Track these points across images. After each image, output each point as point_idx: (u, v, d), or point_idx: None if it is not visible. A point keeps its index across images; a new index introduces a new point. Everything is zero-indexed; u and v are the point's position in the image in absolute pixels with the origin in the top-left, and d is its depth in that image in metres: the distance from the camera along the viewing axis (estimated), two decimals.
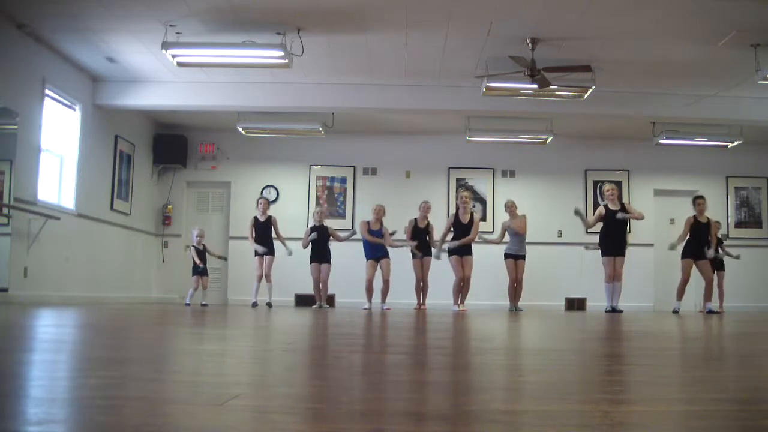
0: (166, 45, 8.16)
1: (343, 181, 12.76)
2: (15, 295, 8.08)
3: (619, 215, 9.52)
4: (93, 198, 10.23)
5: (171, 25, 8.10)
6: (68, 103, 9.65)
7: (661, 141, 11.54)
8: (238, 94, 10.40)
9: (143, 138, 12.03)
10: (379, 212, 10.60)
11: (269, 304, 10.47)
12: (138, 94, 10.37)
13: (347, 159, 12.74)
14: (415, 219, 10.64)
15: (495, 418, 1.35)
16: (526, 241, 10.80)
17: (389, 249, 10.57)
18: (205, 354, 2.73)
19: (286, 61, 8.36)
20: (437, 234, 10.53)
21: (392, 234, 10.63)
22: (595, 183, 12.67)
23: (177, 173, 12.67)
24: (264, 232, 10.69)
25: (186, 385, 1.74)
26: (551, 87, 8.83)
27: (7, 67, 8.07)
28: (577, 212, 9.99)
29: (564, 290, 12.34)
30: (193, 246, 11.04)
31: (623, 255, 9.64)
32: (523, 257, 10.68)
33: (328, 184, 12.75)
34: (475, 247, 10.31)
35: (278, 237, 10.75)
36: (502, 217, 11.39)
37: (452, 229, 10.22)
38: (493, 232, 11.44)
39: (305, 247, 10.70)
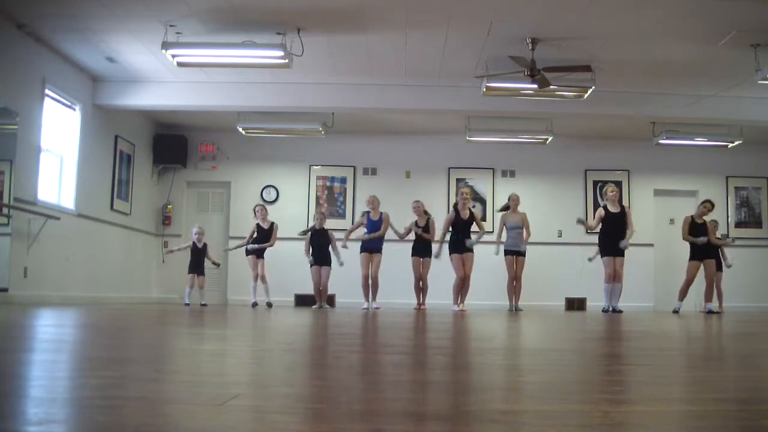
0: (166, 45, 8.16)
1: (343, 181, 12.76)
2: (15, 295, 8.08)
3: (623, 244, 9.51)
4: (93, 198, 10.23)
5: (171, 25, 8.10)
6: (68, 103, 9.65)
7: (661, 141, 11.54)
8: (238, 94, 10.40)
9: (143, 138, 12.03)
10: (374, 202, 10.61)
11: (269, 304, 10.48)
12: (138, 94, 10.37)
13: (347, 159, 12.74)
14: (415, 221, 10.63)
15: (495, 418, 1.35)
16: (529, 240, 10.79)
17: (386, 243, 10.55)
18: (205, 354, 2.73)
19: (286, 61, 8.36)
20: (437, 232, 10.51)
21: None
22: (595, 183, 12.67)
23: (177, 173, 12.67)
24: (264, 238, 10.72)
25: (186, 385, 1.74)
26: (551, 87, 8.83)
27: (7, 67, 8.07)
28: (579, 221, 9.99)
29: (564, 290, 12.34)
30: (193, 242, 11.02)
31: (623, 255, 9.64)
32: (522, 254, 10.65)
33: (328, 184, 12.75)
34: (475, 246, 10.29)
35: (271, 242, 10.76)
36: (502, 214, 11.36)
37: (451, 226, 10.23)
38: (493, 231, 11.42)
39: (307, 251, 10.70)
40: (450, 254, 10.12)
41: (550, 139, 11.60)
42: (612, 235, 9.56)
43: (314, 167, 12.75)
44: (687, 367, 2.47)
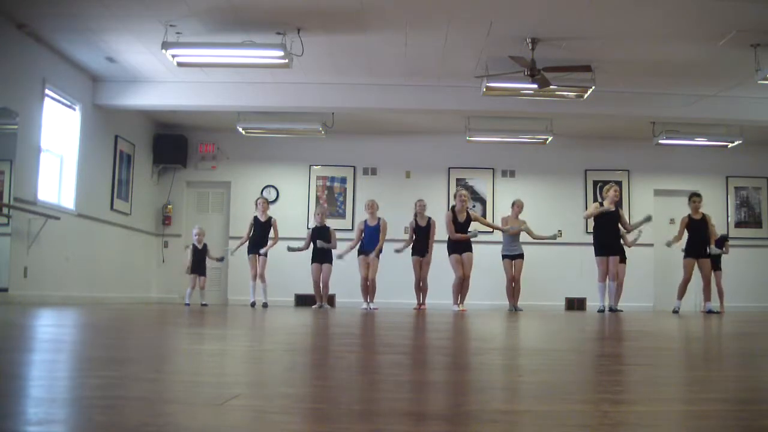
0: (166, 45, 8.16)
1: (343, 181, 12.76)
2: (15, 295, 8.08)
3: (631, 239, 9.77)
4: (93, 198, 10.23)
5: (171, 25, 8.10)
6: (68, 103, 9.65)
7: (661, 141, 11.54)
8: (238, 94, 10.40)
9: (143, 138, 12.03)
10: (372, 206, 10.60)
11: (265, 305, 10.44)
12: (138, 94, 10.37)
13: (347, 159, 12.75)
14: (415, 220, 10.63)
15: (495, 418, 1.35)
16: (523, 240, 10.81)
17: (385, 244, 10.55)
18: (205, 354, 2.73)
19: (286, 61, 8.36)
20: (441, 230, 10.50)
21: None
22: (595, 183, 12.67)
23: (177, 173, 12.67)
24: (263, 233, 10.67)
25: (186, 385, 1.75)
26: (551, 87, 8.83)
27: (7, 67, 8.07)
28: (647, 219, 9.88)
29: (564, 290, 12.34)
30: (193, 244, 11.02)
31: (616, 254, 9.63)
32: (520, 256, 10.68)
33: (328, 184, 12.75)
34: (474, 246, 10.30)
35: (275, 238, 10.73)
36: (503, 217, 11.36)
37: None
38: (492, 232, 11.42)
39: (306, 248, 10.69)
40: (449, 255, 10.12)
41: (550, 139, 11.60)
42: (604, 234, 9.54)
43: (314, 167, 12.75)
44: (687, 367, 2.48)
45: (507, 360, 2.67)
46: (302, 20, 8.03)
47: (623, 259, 10.16)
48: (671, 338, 4.22)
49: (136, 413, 1.32)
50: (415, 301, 10.60)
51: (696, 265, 9.82)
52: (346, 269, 10.89)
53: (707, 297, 9.87)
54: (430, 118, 11.75)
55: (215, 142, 12.66)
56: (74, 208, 9.69)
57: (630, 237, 10.27)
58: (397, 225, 10.87)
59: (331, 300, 11.47)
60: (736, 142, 11.50)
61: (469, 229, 10.19)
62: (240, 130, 11.46)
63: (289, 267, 11.46)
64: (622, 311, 9.73)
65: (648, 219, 9.75)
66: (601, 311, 9.52)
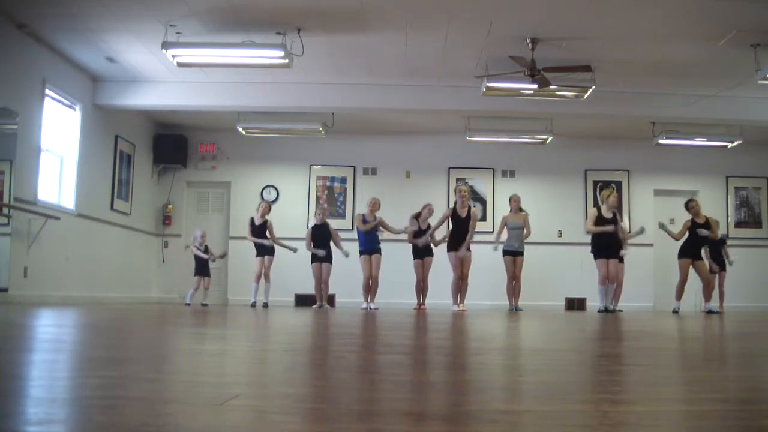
0: (166, 45, 8.16)
1: (343, 181, 12.76)
2: (15, 295, 8.08)
3: (622, 253, 9.74)
4: (93, 198, 10.23)
5: (171, 25, 8.10)
6: (68, 103, 9.65)
7: (661, 141, 11.53)
8: (238, 94, 10.40)
9: (143, 138, 12.03)
10: (374, 205, 10.60)
11: (265, 305, 10.45)
12: (138, 94, 10.37)
13: (347, 159, 12.75)
14: (417, 218, 10.63)
15: (495, 418, 1.35)
16: (529, 240, 10.79)
17: (386, 244, 10.56)
18: (205, 354, 2.73)
19: (286, 61, 8.35)
20: (441, 230, 10.52)
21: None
22: (595, 183, 12.67)
23: (177, 173, 12.67)
24: (261, 234, 10.69)
25: (186, 385, 1.75)
26: (551, 87, 8.83)
27: (7, 67, 8.07)
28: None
29: (564, 290, 12.34)
30: (195, 246, 11.03)
31: (616, 257, 9.63)
32: (521, 254, 10.66)
33: (328, 184, 12.75)
34: (474, 246, 10.30)
35: (273, 240, 10.74)
36: (503, 216, 11.37)
37: (449, 222, 10.25)
38: (492, 231, 11.43)
39: (309, 250, 10.68)
40: (448, 252, 10.13)
41: (550, 139, 11.60)
42: (603, 236, 9.54)
43: (314, 167, 12.75)
44: (687, 367, 2.47)
45: (507, 360, 2.67)
46: (302, 20, 8.03)
47: (621, 260, 10.16)
48: (671, 338, 4.22)
49: (136, 413, 1.32)
50: (415, 301, 10.61)
51: (692, 266, 9.82)
52: (346, 269, 10.89)
53: (707, 297, 9.86)
54: (430, 118, 11.75)
55: (215, 142, 12.66)
56: (74, 208, 9.69)
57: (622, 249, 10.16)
58: (397, 225, 10.85)
59: (331, 300, 11.47)
60: (736, 142, 11.50)
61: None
62: (240, 130, 11.46)
63: (289, 267, 11.45)
64: (621, 311, 9.73)
65: (641, 231, 10.17)
66: (602, 311, 9.52)
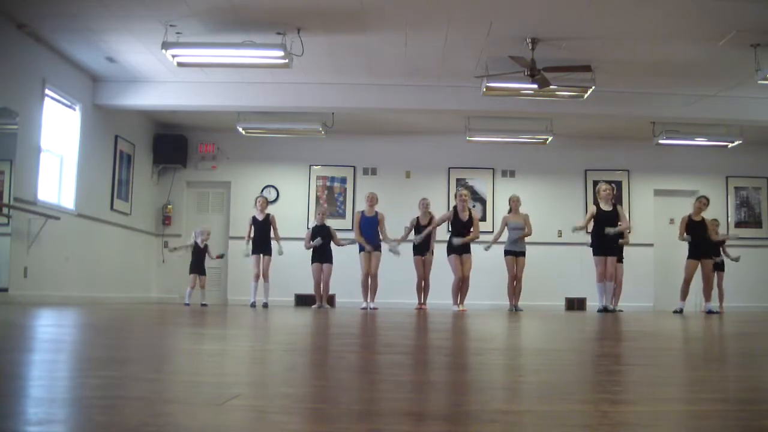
0: (166, 45, 8.16)
1: (343, 181, 12.76)
2: (15, 295, 8.08)
3: (609, 230, 9.38)
4: (93, 198, 10.23)
5: (171, 25, 8.10)
6: (68, 103, 9.65)
7: (661, 141, 11.54)
8: (238, 94, 10.40)
9: (143, 138, 12.03)
10: (372, 199, 10.60)
11: (265, 305, 10.45)
12: (138, 94, 10.37)
13: (347, 159, 12.75)
14: (417, 217, 10.64)
15: (495, 418, 1.35)
16: (529, 240, 10.79)
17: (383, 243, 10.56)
18: (205, 354, 2.73)
19: (286, 61, 8.36)
20: (442, 229, 10.52)
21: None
22: (595, 183, 12.63)
23: (177, 173, 12.67)
24: (262, 231, 10.67)
25: (186, 385, 1.75)
26: (551, 87, 8.83)
27: (7, 67, 8.07)
28: (574, 229, 9.88)
29: (564, 290, 12.34)
30: (195, 242, 11.00)
31: (614, 255, 9.61)
32: (523, 254, 10.66)
33: (328, 184, 12.76)
34: (474, 246, 10.30)
35: (275, 236, 10.73)
36: (503, 216, 11.36)
37: (450, 225, 10.26)
38: (492, 231, 11.43)
39: (308, 249, 10.67)
40: (448, 255, 10.13)
41: (550, 139, 11.60)
42: (603, 234, 9.51)
43: (314, 167, 12.75)
44: (687, 367, 2.47)
45: (507, 360, 2.67)
46: (302, 20, 8.04)
47: (621, 259, 10.16)
48: (671, 338, 4.22)
49: (136, 413, 1.32)
50: (416, 301, 10.60)
51: (698, 265, 9.83)
52: (346, 269, 10.89)
53: (707, 297, 9.87)
54: (430, 118, 11.75)
55: (215, 142, 12.66)
56: (74, 208, 9.69)
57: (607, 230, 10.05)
58: (398, 225, 10.85)
59: (331, 300, 11.46)
60: (736, 142, 11.50)
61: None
62: (240, 130, 11.46)
63: (289, 267, 11.45)
64: (621, 311, 9.72)
65: (618, 233, 10.01)
66: (601, 311, 9.51)
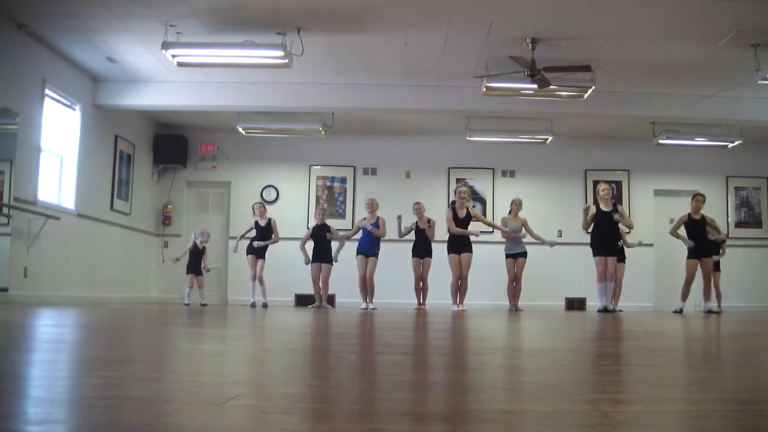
0: (166, 45, 8.16)
1: (343, 181, 12.76)
2: (15, 295, 8.08)
3: (616, 216, 9.42)
4: (93, 198, 10.23)
5: (171, 25, 8.10)
6: (68, 103, 9.65)
7: (661, 141, 11.53)
8: (238, 94, 10.40)
9: (143, 138, 12.03)
10: (372, 205, 10.60)
11: (265, 305, 10.46)
12: (138, 94, 10.37)
13: (347, 159, 12.74)
14: (416, 222, 10.62)
15: (495, 418, 1.35)
16: (526, 240, 10.80)
17: (385, 244, 10.55)
18: (205, 354, 2.73)
19: (286, 61, 8.36)
20: (442, 229, 10.51)
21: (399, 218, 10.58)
22: (595, 183, 12.62)
23: (177, 173, 12.67)
24: (264, 236, 10.70)
25: (186, 385, 1.75)
26: (551, 87, 8.83)
27: (7, 67, 8.07)
28: (585, 209, 9.87)
29: (564, 290, 12.34)
30: (194, 242, 10.99)
31: (615, 255, 9.61)
32: (523, 255, 10.67)
33: (328, 184, 12.75)
34: (474, 246, 10.30)
35: (275, 238, 10.74)
36: (503, 217, 11.36)
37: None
38: (492, 232, 11.42)
39: (302, 250, 10.66)
40: (448, 253, 10.13)
41: (550, 139, 11.60)
42: (604, 234, 9.51)
43: (314, 167, 12.75)
44: (687, 367, 2.48)
45: (507, 360, 2.67)
46: (302, 20, 8.04)
47: (621, 259, 10.16)
48: (671, 338, 4.22)
49: (136, 413, 1.32)
50: (415, 301, 10.60)
51: (700, 263, 9.82)
52: (345, 269, 10.89)
53: (707, 297, 9.86)
54: (430, 118, 11.75)
55: (215, 142, 12.66)
56: (74, 208, 9.69)
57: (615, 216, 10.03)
58: (396, 227, 10.84)
59: (330, 300, 11.47)
60: (736, 142, 11.50)
61: (470, 228, 10.19)
62: (240, 130, 11.46)
63: (289, 267, 11.45)
64: (621, 311, 9.71)
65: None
66: (601, 311, 9.51)
